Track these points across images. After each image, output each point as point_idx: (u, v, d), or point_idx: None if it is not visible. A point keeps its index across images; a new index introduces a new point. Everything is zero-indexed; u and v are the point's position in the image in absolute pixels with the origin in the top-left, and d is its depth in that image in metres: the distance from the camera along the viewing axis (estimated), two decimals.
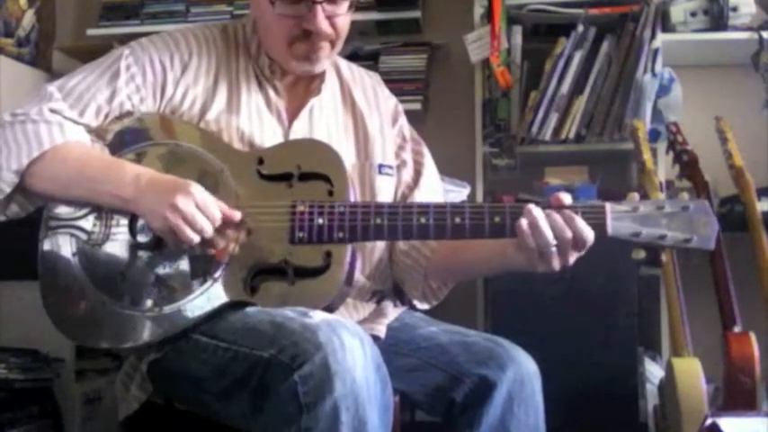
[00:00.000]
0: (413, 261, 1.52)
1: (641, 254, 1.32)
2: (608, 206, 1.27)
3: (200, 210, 1.27)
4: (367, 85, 1.62)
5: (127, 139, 1.41)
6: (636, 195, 1.30)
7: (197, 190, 1.28)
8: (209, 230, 1.27)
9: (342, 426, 1.12)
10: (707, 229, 1.26)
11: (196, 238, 1.27)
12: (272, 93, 1.49)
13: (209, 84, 1.46)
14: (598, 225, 1.27)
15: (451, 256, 1.48)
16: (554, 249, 1.26)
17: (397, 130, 1.61)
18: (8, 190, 1.35)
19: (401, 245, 1.53)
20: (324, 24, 1.40)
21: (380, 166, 1.54)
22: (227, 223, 1.30)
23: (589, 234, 1.25)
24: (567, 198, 1.28)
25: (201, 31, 1.51)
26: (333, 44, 1.45)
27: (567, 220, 1.25)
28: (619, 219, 1.27)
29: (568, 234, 1.25)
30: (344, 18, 1.44)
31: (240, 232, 1.32)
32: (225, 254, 1.31)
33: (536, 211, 1.26)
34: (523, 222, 1.26)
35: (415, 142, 1.64)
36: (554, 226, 1.25)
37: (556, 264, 1.28)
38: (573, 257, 1.28)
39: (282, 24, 1.40)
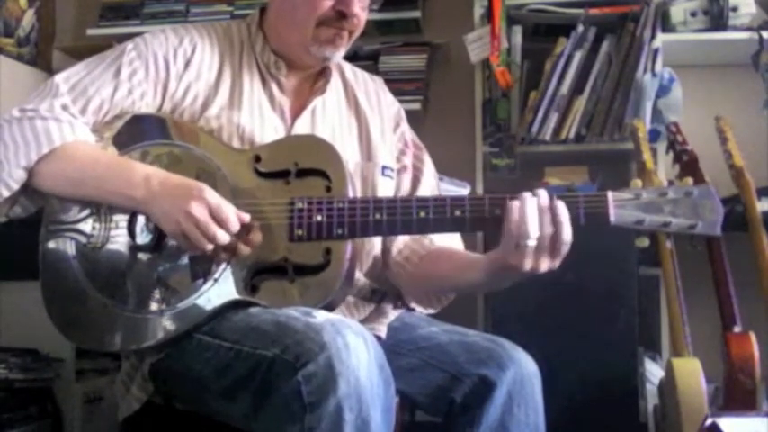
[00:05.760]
0: (402, 271, 1.51)
1: (645, 242, 1.32)
2: (610, 194, 1.27)
3: (214, 216, 1.26)
4: (370, 88, 1.62)
5: (125, 139, 1.41)
6: (639, 182, 1.29)
7: (210, 195, 1.27)
8: (222, 237, 1.26)
9: (345, 425, 1.12)
10: (712, 214, 1.25)
11: (209, 246, 1.27)
12: (276, 90, 1.49)
13: (212, 79, 1.46)
14: (600, 214, 1.26)
15: (428, 268, 1.48)
16: (531, 245, 1.24)
17: (398, 135, 1.61)
18: (16, 187, 1.34)
19: (393, 253, 1.53)
20: (357, 8, 1.43)
21: (384, 167, 1.54)
22: (241, 227, 1.29)
23: (567, 236, 1.24)
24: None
25: (205, 28, 1.52)
26: (350, 36, 1.47)
27: (554, 216, 1.24)
28: (621, 207, 1.26)
29: (550, 229, 1.24)
30: (365, 14, 1.46)
31: (255, 233, 1.31)
32: (237, 256, 1.31)
33: (531, 199, 1.25)
34: (515, 204, 1.25)
35: (416, 147, 1.64)
36: (541, 217, 1.24)
37: (528, 263, 1.24)
38: (545, 263, 1.25)
39: (317, 4, 1.41)
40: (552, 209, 1.24)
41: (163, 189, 1.30)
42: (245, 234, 1.30)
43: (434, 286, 1.50)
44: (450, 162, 2.45)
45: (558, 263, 1.26)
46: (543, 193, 1.26)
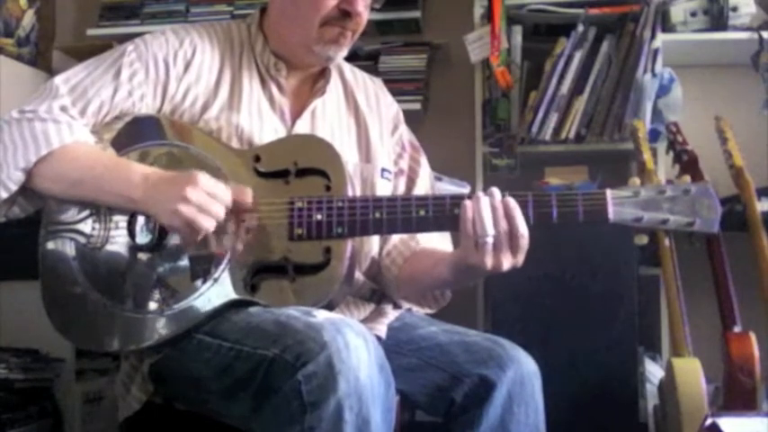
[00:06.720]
0: (389, 275, 1.52)
1: (644, 239, 1.33)
2: (609, 192, 1.28)
3: (211, 196, 1.27)
4: (369, 89, 1.62)
5: (124, 140, 1.41)
6: (637, 180, 1.30)
7: (203, 178, 1.28)
8: (222, 215, 1.27)
9: (345, 425, 1.12)
10: (710, 212, 1.26)
11: (212, 227, 1.27)
12: (275, 91, 1.49)
13: (212, 81, 1.46)
14: (599, 211, 1.27)
15: (413, 268, 1.49)
16: (490, 242, 1.25)
17: (396, 138, 1.62)
18: (14, 188, 1.34)
19: (383, 256, 1.53)
20: (361, 7, 1.42)
21: (383, 170, 1.54)
22: (238, 205, 1.30)
23: (523, 229, 1.25)
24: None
25: (205, 28, 1.52)
26: (353, 35, 1.47)
27: (506, 211, 1.25)
28: (620, 204, 1.27)
29: (504, 225, 1.25)
30: (368, 13, 1.46)
31: (252, 217, 1.32)
32: (237, 242, 1.31)
33: (484, 197, 1.26)
34: (468, 204, 1.26)
35: (413, 149, 1.64)
36: (494, 214, 1.25)
37: (488, 260, 1.25)
38: (506, 260, 1.26)
39: (321, 4, 1.41)
40: (504, 204, 1.26)
41: (160, 186, 1.30)
42: (242, 217, 1.30)
43: (417, 286, 1.51)
44: (451, 162, 2.46)
45: (521, 259, 1.27)
46: (495, 191, 1.28)
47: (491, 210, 1.25)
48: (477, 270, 1.28)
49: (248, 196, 1.31)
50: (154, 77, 1.43)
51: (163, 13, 2.91)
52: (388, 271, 1.52)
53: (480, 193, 1.27)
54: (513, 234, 1.25)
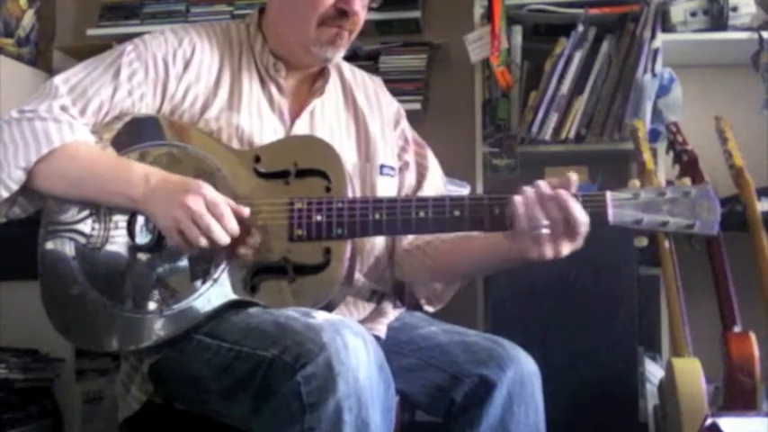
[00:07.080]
0: (418, 263, 1.51)
1: (644, 241, 1.33)
2: (608, 194, 1.27)
3: (210, 210, 1.26)
4: (369, 88, 1.62)
5: (124, 140, 1.40)
6: (637, 182, 1.30)
7: (208, 190, 1.28)
8: (217, 231, 1.26)
9: (345, 426, 1.12)
10: (710, 215, 1.25)
11: (203, 241, 1.27)
12: (275, 91, 1.49)
13: (211, 80, 1.46)
14: (598, 213, 1.26)
15: (450, 255, 1.48)
16: (546, 232, 1.25)
17: (398, 132, 1.62)
18: (15, 187, 1.34)
19: (404, 246, 1.53)
20: (358, 6, 1.43)
21: (382, 166, 1.54)
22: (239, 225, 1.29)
23: (582, 217, 1.24)
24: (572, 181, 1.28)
25: (204, 28, 1.52)
26: (350, 36, 1.47)
27: (559, 202, 1.25)
28: (620, 206, 1.27)
29: (558, 214, 1.24)
30: (364, 12, 1.47)
31: (253, 236, 1.31)
32: (235, 257, 1.31)
33: (530, 190, 1.26)
34: (518, 199, 1.26)
35: (418, 145, 1.64)
36: (547, 206, 1.25)
37: (548, 250, 1.26)
38: (566, 246, 1.26)
39: (318, 3, 1.41)
40: (555, 193, 1.25)
41: (159, 187, 1.30)
42: (242, 234, 1.30)
43: (453, 270, 1.50)
44: (451, 162, 2.43)
45: (580, 242, 1.27)
46: (542, 183, 1.28)
47: (538, 200, 1.25)
48: (534, 260, 1.28)
49: (245, 213, 1.30)
50: (153, 77, 1.43)
51: (163, 13, 2.92)
52: (412, 258, 1.51)
53: (526, 187, 1.27)
54: (570, 223, 1.24)
